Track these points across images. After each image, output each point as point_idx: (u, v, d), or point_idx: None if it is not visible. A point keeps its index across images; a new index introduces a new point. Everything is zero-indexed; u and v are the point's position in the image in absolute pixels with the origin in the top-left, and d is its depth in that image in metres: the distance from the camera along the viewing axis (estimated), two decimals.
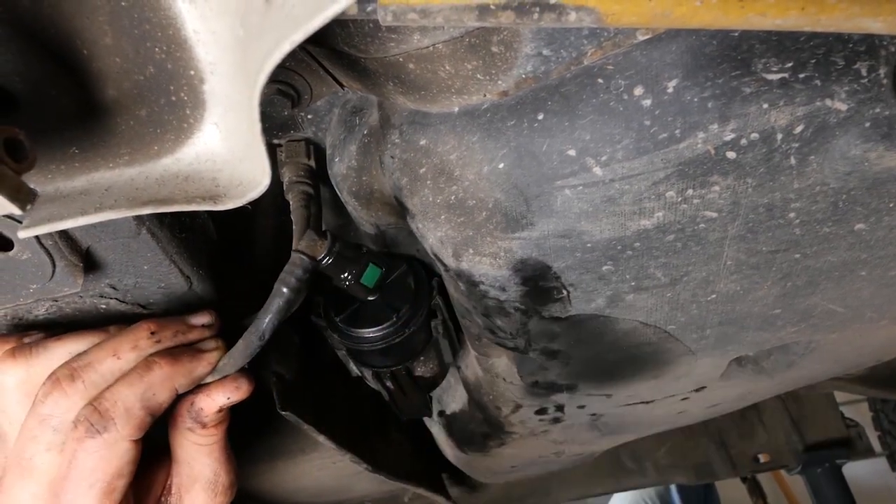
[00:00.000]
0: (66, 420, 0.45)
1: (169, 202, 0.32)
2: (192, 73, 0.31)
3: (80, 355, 0.47)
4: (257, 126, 0.29)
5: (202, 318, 0.52)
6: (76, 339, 0.48)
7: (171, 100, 0.33)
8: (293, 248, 0.51)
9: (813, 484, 1.74)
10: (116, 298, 0.46)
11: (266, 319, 0.49)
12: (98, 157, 0.34)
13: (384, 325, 0.63)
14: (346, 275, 0.55)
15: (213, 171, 0.34)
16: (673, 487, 2.37)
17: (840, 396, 1.71)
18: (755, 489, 2.88)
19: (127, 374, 0.46)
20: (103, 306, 0.46)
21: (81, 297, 0.45)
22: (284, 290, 0.49)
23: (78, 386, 0.46)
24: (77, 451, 0.45)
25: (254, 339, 0.49)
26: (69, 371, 0.46)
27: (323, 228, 0.69)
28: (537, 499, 1.56)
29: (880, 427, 2.13)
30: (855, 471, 1.95)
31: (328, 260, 0.51)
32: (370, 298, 0.62)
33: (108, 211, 0.31)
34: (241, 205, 0.33)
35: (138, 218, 0.40)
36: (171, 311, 0.49)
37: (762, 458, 1.59)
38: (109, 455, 0.46)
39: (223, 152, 0.34)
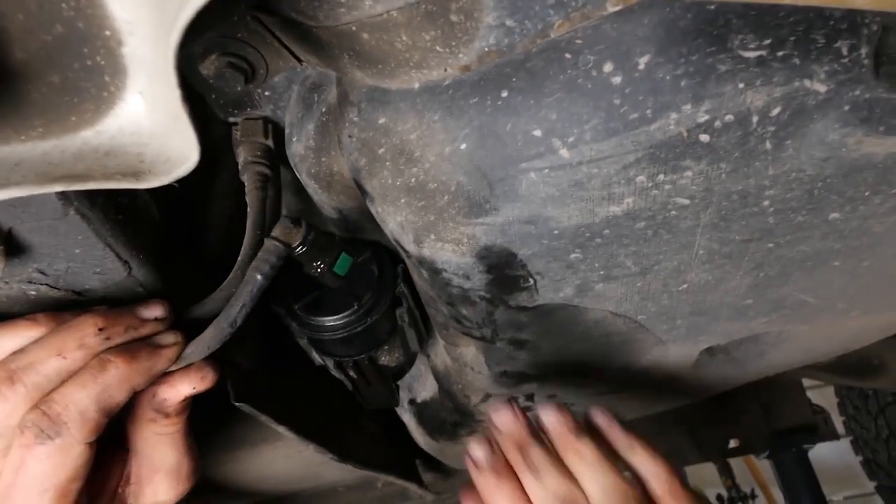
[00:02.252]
0: (8, 425, 0.42)
1: (84, 179, 0.29)
2: (108, 33, 0.28)
3: (17, 354, 0.43)
4: (177, 94, 0.26)
5: (154, 311, 0.48)
6: (5, 333, 0.44)
7: (86, 64, 0.29)
8: (268, 234, 0.49)
9: (780, 468, 1.77)
10: (47, 284, 0.42)
11: (238, 306, 0.47)
12: (9, 127, 0.31)
13: (345, 314, 0.60)
14: (318, 263, 0.53)
15: (138, 146, 0.31)
16: None
17: (807, 380, 1.73)
18: (725, 469, 2.94)
19: (79, 374, 0.43)
20: (33, 293, 0.43)
21: (7, 282, 0.41)
22: (258, 276, 0.47)
23: (19, 389, 0.41)
24: (26, 458, 0.41)
25: (224, 326, 0.47)
26: (7, 374, 0.41)
27: (284, 212, 0.67)
28: None
29: (845, 412, 2.17)
30: (821, 452, 1.99)
31: (302, 248, 0.50)
32: (317, 265, 0.59)
33: (13, 188, 0.28)
34: (166, 183, 0.30)
35: (65, 197, 0.36)
36: (109, 298, 0.46)
37: (731, 443, 1.61)
38: (63, 460, 0.42)
39: (149, 124, 0.31)
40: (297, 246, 0.50)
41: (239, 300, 0.47)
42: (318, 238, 0.51)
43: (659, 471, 0.52)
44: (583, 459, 0.50)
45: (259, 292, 0.47)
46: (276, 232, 0.49)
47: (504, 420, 0.53)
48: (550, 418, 0.52)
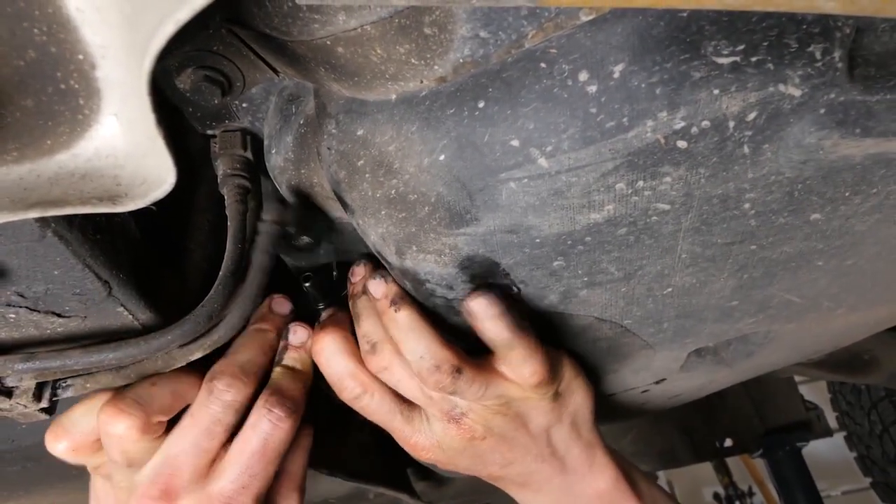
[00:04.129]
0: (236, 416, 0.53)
1: (61, 204, 0.29)
2: (81, 57, 0.28)
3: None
4: (151, 118, 0.26)
5: (284, 307, 0.59)
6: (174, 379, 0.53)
7: (59, 88, 0.29)
8: (259, 219, 0.52)
9: (774, 467, 1.77)
10: (26, 307, 0.42)
11: (255, 286, 0.51)
12: None
13: None
14: (305, 237, 0.58)
15: (114, 168, 0.31)
16: None
17: (799, 375, 1.74)
18: (721, 467, 2.95)
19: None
20: (12, 316, 0.42)
21: None
22: (264, 256, 0.51)
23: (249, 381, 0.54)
24: (275, 426, 0.53)
25: (248, 304, 0.51)
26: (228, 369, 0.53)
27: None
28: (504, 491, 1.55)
29: (838, 408, 2.18)
30: (818, 448, 1.99)
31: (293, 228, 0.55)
32: (320, 307, 0.61)
33: None
34: (143, 206, 0.30)
35: (42, 219, 0.36)
36: (90, 318, 0.45)
37: (726, 442, 1.61)
38: (292, 427, 0.54)
39: (125, 146, 0.31)
40: (289, 226, 0.54)
41: (254, 282, 0.50)
42: (301, 216, 0.55)
43: (525, 373, 0.52)
44: (398, 326, 0.51)
45: (268, 270, 0.51)
46: (271, 215, 0.52)
47: (353, 272, 0.58)
48: (374, 288, 0.53)
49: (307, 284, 0.59)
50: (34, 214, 0.28)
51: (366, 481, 0.87)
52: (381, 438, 0.99)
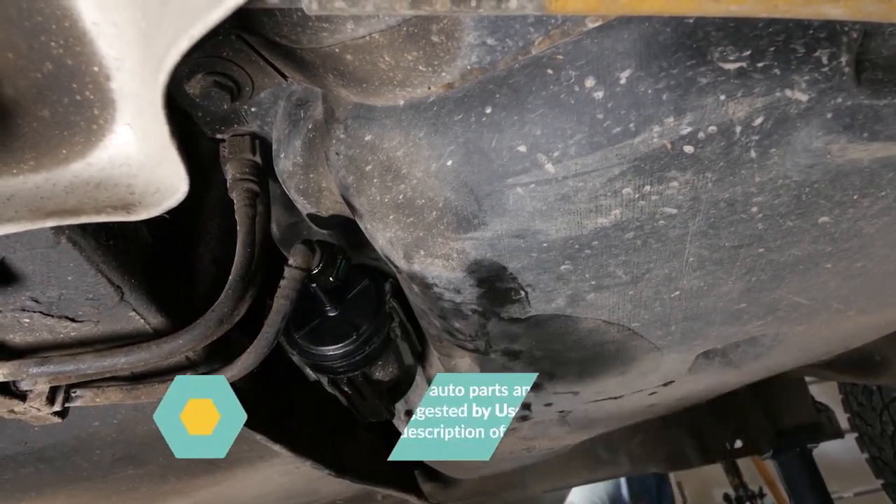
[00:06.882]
0: None
1: (76, 213, 0.29)
2: (97, 69, 0.28)
3: None
4: (165, 129, 0.26)
5: None
6: None
7: (75, 99, 0.29)
8: (259, 251, 0.53)
9: (784, 468, 1.76)
10: (41, 312, 0.42)
11: (273, 331, 0.52)
12: (0, 161, 0.31)
13: (345, 343, 0.61)
14: (329, 277, 0.58)
15: (128, 177, 0.31)
16: (623, 482, 2.49)
17: (810, 376, 1.72)
18: (732, 468, 2.93)
19: None
20: (27, 320, 0.43)
21: (1, 311, 0.41)
22: (287, 303, 0.53)
23: None
24: None
25: (263, 348, 0.52)
26: None
27: (273, 228, 0.67)
28: (512, 491, 1.55)
29: (850, 409, 2.16)
30: (829, 449, 1.97)
31: (318, 269, 0.56)
32: (331, 314, 0.61)
33: (7, 224, 0.28)
34: (157, 214, 0.30)
35: (56, 226, 0.37)
36: (103, 323, 0.46)
37: (735, 444, 1.60)
38: None
39: (139, 156, 0.31)
40: (314, 269, 0.55)
41: (273, 327, 0.52)
42: (327, 256, 0.56)
43: None
44: None
45: (287, 316, 0.53)
46: (296, 260, 0.53)
47: None
48: None
49: (314, 285, 0.59)
50: (51, 223, 0.29)
51: (374, 482, 0.88)
52: (388, 438, 1.00)
